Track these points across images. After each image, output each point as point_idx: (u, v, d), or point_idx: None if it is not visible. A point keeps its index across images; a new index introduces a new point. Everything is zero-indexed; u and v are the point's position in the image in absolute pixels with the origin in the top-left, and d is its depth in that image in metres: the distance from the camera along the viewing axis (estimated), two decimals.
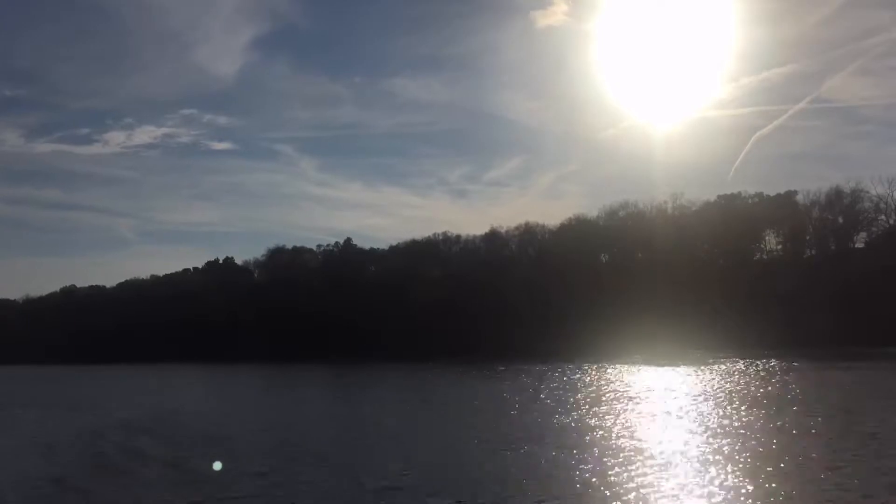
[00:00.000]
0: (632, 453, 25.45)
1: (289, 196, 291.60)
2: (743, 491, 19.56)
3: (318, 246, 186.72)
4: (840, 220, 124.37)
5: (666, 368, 70.71)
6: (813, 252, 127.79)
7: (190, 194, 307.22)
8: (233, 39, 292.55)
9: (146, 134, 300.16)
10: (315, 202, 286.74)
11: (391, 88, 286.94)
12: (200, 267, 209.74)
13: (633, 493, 19.77)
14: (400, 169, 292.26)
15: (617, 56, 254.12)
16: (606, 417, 35.88)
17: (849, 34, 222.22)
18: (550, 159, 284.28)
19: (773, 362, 73.95)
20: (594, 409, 39.36)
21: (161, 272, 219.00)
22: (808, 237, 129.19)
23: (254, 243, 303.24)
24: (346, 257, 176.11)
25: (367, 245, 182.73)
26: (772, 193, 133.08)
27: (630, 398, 45.00)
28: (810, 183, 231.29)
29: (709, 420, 33.48)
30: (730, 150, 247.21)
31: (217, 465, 25.19)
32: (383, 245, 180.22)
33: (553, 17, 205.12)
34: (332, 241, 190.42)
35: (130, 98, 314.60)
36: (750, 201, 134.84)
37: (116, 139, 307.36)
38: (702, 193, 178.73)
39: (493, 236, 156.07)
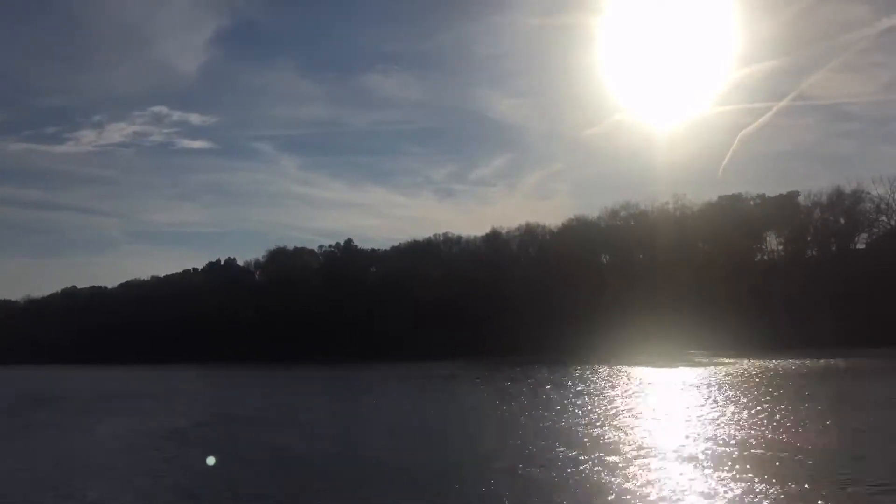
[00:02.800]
0: (632, 452, 25.40)
1: (274, 195, 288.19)
2: (743, 490, 19.53)
3: (320, 247, 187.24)
4: (841, 220, 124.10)
5: (665, 369, 70.62)
6: (814, 253, 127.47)
7: (172, 194, 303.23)
8: (193, 34, 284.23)
9: (116, 132, 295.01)
10: (301, 202, 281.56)
11: (364, 85, 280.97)
12: (200, 268, 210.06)
13: (636, 493, 19.75)
14: (383, 167, 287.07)
15: (602, 52, 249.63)
16: (607, 417, 35.82)
17: (827, 29, 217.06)
18: (536, 157, 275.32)
19: (773, 363, 73.80)
20: (595, 409, 39.30)
21: (153, 273, 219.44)
22: (809, 238, 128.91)
23: (244, 244, 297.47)
24: (347, 258, 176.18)
25: (359, 245, 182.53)
26: (773, 194, 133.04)
27: (629, 398, 44.97)
28: (803, 183, 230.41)
29: (709, 421, 33.40)
30: (719, 149, 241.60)
31: (210, 460, 25.17)
32: (374, 245, 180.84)
33: None
34: (325, 241, 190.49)
35: (95, 95, 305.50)
36: (751, 202, 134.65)
37: (87, 137, 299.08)
38: (690, 191, 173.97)
39: (493, 237, 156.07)
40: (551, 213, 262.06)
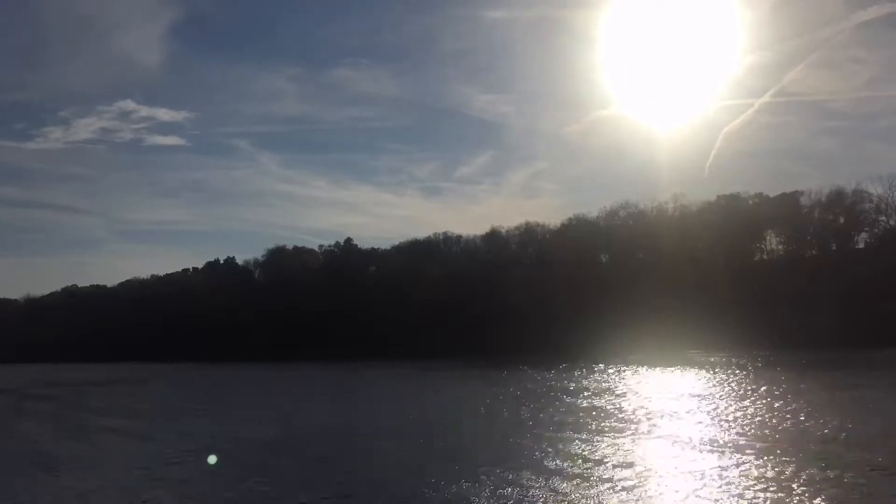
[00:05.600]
0: (634, 452, 25.47)
1: (257, 194, 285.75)
2: (746, 486, 19.59)
3: (320, 246, 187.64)
4: (841, 220, 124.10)
5: (665, 369, 70.67)
6: (814, 252, 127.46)
7: (151, 192, 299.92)
8: (150, 26, 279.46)
9: (83, 128, 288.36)
10: (286, 200, 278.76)
11: (333, 80, 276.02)
12: (200, 267, 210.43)
13: (641, 492, 19.81)
14: (366, 165, 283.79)
15: (578, 47, 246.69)
16: (608, 417, 35.89)
17: (803, 24, 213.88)
18: (520, 155, 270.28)
19: (773, 361, 73.87)
20: (596, 409, 39.38)
21: (145, 272, 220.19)
22: (809, 237, 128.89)
23: (234, 242, 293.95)
24: (346, 257, 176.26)
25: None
26: (768, 192, 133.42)
27: (629, 397, 45.07)
28: (793, 181, 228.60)
29: (708, 419, 33.47)
30: (705, 146, 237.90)
31: (212, 459, 25.20)
32: (366, 244, 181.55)
33: None
34: (315, 240, 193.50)
35: (58, 90, 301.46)
36: (751, 201, 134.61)
37: (54, 134, 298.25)
38: (677, 190, 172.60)
39: (492, 236, 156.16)
40: (540, 212, 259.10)
